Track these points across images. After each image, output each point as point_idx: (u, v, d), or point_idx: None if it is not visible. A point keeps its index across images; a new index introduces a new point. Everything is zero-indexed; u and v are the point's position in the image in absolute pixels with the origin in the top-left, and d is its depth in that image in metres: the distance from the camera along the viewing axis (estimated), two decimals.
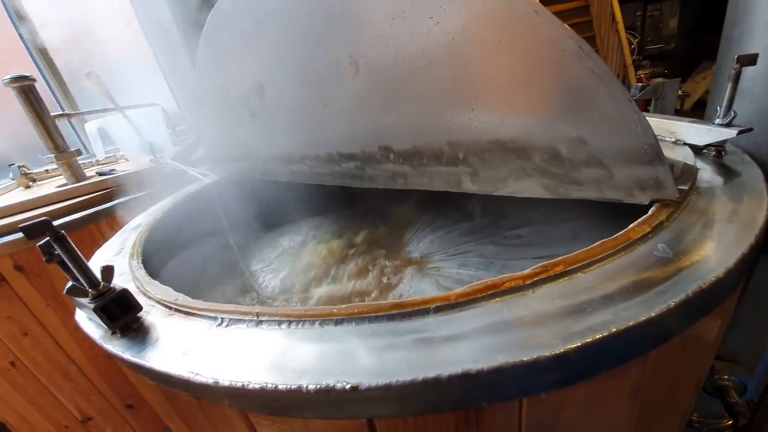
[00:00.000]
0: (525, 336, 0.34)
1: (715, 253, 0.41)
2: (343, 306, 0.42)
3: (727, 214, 0.47)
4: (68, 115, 1.42)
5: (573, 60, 0.46)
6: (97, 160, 1.57)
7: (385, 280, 0.79)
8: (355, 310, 0.41)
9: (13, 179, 1.36)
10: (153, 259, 0.73)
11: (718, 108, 0.63)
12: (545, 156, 0.54)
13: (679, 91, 0.96)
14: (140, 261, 0.66)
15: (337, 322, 0.41)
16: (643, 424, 0.46)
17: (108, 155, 1.61)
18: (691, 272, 0.38)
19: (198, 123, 1.15)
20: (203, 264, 0.93)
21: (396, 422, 0.37)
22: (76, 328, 0.54)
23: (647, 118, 0.47)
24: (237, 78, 0.87)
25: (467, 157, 0.62)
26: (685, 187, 0.53)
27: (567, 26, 0.45)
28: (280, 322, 0.43)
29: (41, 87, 1.32)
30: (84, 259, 0.45)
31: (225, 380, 0.36)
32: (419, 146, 0.66)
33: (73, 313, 0.56)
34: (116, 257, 0.71)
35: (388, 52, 0.60)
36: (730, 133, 0.61)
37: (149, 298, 0.54)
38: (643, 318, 0.33)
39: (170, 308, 0.50)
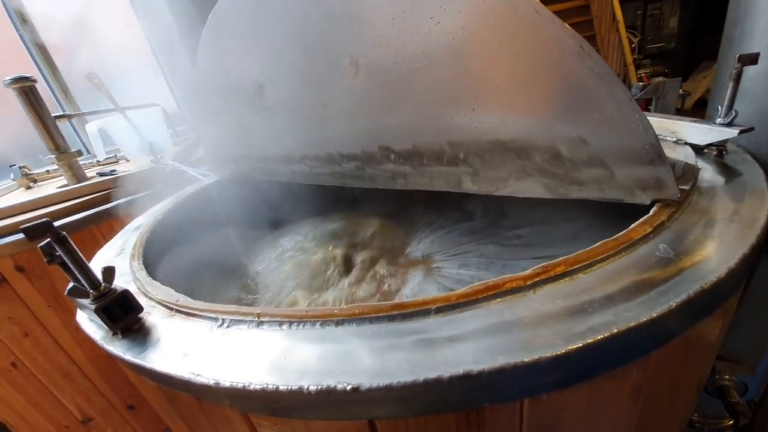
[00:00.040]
0: (526, 337, 0.34)
1: (716, 253, 0.40)
2: (344, 307, 0.42)
3: (728, 214, 0.47)
4: (69, 116, 1.42)
5: (573, 59, 0.46)
6: (97, 161, 1.58)
7: (385, 280, 0.79)
8: (356, 311, 0.41)
9: (14, 180, 1.36)
10: (154, 260, 0.74)
11: (719, 107, 0.63)
12: (546, 156, 0.54)
13: (680, 91, 0.96)
14: (141, 262, 0.66)
15: (338, 323, 0.41)
16: (644, 425, 0.46)
17: (108, 156, 1.61)
18: (692, 272, 0.38)
19: (198, 123, 1.15)
20: (204, 265, 0.93)
21: (397, 423, 0.37)
22: (77, 329, 0.54)
23: (648, 117, 0.47)
24: (237, 78, 0.87)
25: (468, 157, 0.61)
26: (687, 187, 0.52)
27: (567, 25, 0.45)
28: (281, 323, 0.43)
29: (42, 88, 1.33)
30: (85, 260, 0.45)
31: (226, 381, 0.36)
32: (420, 146, 0.66)
33: (74, 314, 0.56)
34: (117, 258, 0.71)
35: (389, 52, 0.60)
36: (732, 132, 0.60)
37: (150, 299, 0.54)
38: (645, 318, 0.33)
39: (171, 309, 0.50)
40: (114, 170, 1.36)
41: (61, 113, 1.36)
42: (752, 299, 0.67)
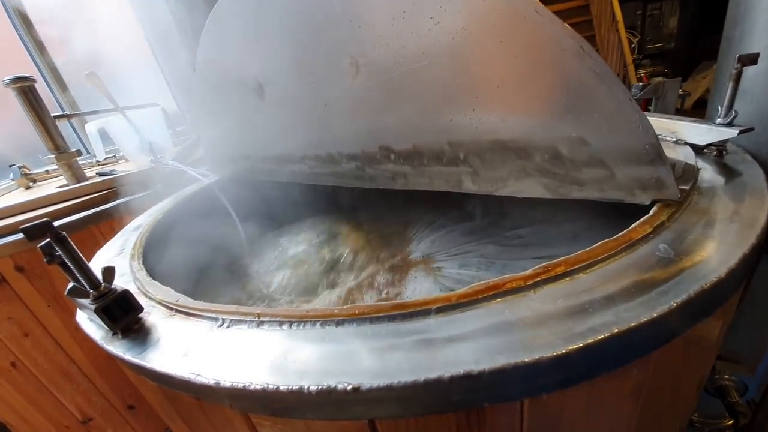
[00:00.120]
0: (526, 337, 0.34)
1: (716, 254, 0.41)
2: (344, 307, 0.42)
3: (728, 214, 0.47)
4: (68, 116, 1.42)
5: (573, 59, 0.46)
6: (97, 161, 1.58)
7: (385, 280, 0.79)
8: (356, 311, 0.41)
9: (13, 180, 1.36)
10: (154, 260, 0.73)
11: (719, 107, 0.63)
12: (546, 156, 0.54)
13: (680, 91, 0.96)
14: (141, 262, 0.66)
15: (338, 323, 0.41)
16: (645, 425, 0.46)
17: (108, 156, 1.61)
18: (692, 272, 0.38)
19: (198, 123, 1.15)
20: (204, 265, 0.93)
21: (397, 423, 0.37)
22: (77, 329, 0.54)
23: (648, 117, 0.47)
24: (237, 78, 0.87)
25: (468, 157, 0.61)
26: (687, 187, 0.53)
27: (567, 25, 0.45)
28: (281, 323, 0.43)
29: (41, 88, 1.33)
30: (85, 260, 0.45)
31: (226, 381, 0.36)
32: (420, 146, 0.66)
33: (74, 314, 0.56)
34: (117, 258, 0.71)
35: (389, 52, 0.60)
36: (731, 132, 0.60)
37: (150, 299, 0.54)
38: (645, 318, 0.33)
39: (171, 309, 0.50)
40: (114, 170, 1.36)
41: (61, 113, 1.36)
42: (752, 299, 0.67)
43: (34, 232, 0.41)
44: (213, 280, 0.89)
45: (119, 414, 1.26)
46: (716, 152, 0.67)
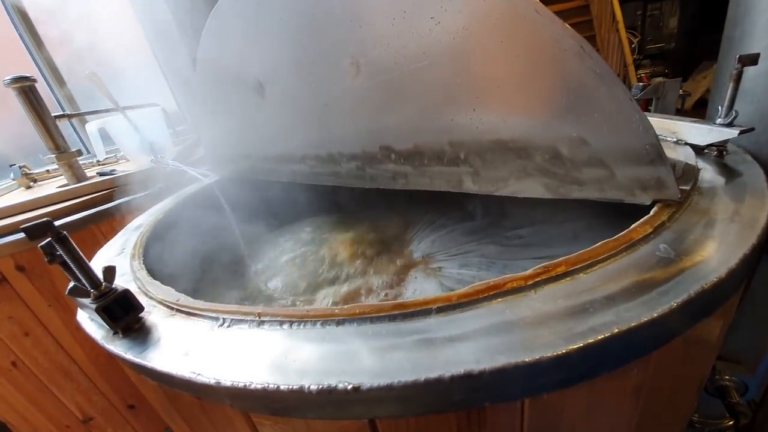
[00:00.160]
0: (527, 336, 0.34)
1: (717, 254, 0.41)
2: (345, 306, 0.42)
3: (729, 214, 0.47)
4: (69, 116, 1.42)
5: (574, 59, 0.46)
6: (97, 161, 1.58)
7: (386, 280, 0.79)
8: (357, 311, 0.41)
9: (14, 179, 1.36)
10: (154, 260, 0.73)
11: (720, 108, 0.63)
12: (546, 156, 0.54)
13: (680, 91, 0.96)
14: (141, 261, 0.66)
15: (339, 323, 0.41)
16: (645, 425, 0.46)
17: (108, 155, 1.61)
18: (693, 273, 0.38)
19: (198, 123, 1.15)
20: (204, 264, 0.93)
21: (398, 422, 0.37)
22: (78, 329, 0.54)
23: (648, 117, 0.47)
24: (237, 78, 0.87)
25: (468, 157, 0.61)
26: (687, 187, 0.53)
27: (568, 26, 0.45)
28: (281, 323, 0.43)
29: (42, 87, 1.32)
30: (86, 259, 0.45)
31: (227, 380, 0.36)
32: (420, 146, 0.66)
33: (74, 314, 0.56)
34: (117, 257, 0.71)
35: (389, 52, 0.60)
36: (732, 133, 0.60)
37: (151, 298, 0.54)
38: (646, 318, 0.33)
39: (172, 308, 0.50)
40: (114, 170, 1.36)
41: (61, 113, 1.36)
42: (752, 299, 0.67)
43: (34, 231, 0.41)
44: (213, 279, 0.89)
45: (120, 413, 1.26)
46: (717, 152, 0.67)
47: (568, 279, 0.40)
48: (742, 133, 0.59)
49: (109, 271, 0.47)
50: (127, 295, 0.47)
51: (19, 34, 1.64)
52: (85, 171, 1.30)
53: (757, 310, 0.72)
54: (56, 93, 1.74)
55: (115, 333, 0.48)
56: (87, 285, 0.45)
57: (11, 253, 0.96)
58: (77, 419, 1.19)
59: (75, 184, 1.21)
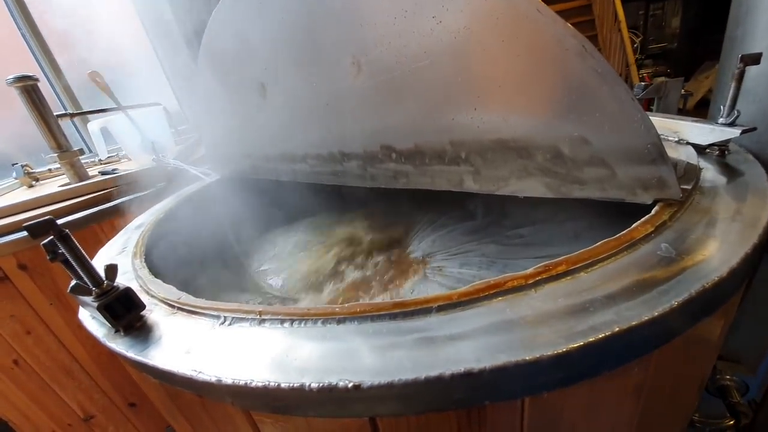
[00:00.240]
0: (527, 335, 0.34)
1: (718, 253, 0.40)
2: (345, 305, 0.42)
3: (730, 214, 0.47)
4: (71, 115, 1.42)
5: (576, 59, 0.46)
6: (99, 160, 1.58)
7: (386, 279, 0.79)
8: (357, 309, 0.41)
9: (16, 178, 1.37)
10: (156, 258, 0.74)
11: (722, 107, 0.63)
12: (548, 155, 0.54)
13: (682, 91, 0.96)
14: (143, 260, 0.66)
15: (340, 321, 0.41)
16: (646, 424, 0.46)
17: (110, 154, 1.61)
18: (694, 272, 0.38)
19: (199, 122, 1.15)
20: (205, 263, 0.94)
21: (398, 421, 0.37)
22: (79, 327, 0.54)
23: (650, 117, 0.47)
24: (239, 77, 0.87)
25: (469, 156, 0.61)
26: (688, 187, 0.52)
27: (569, 25, 0.45)
28: (282, 321, 0.43)
29: (44, 86, 1.33)
30: (87, 257, 0.45)
31: (228, 378, 0.36)
32: (421, 145, 0.66)
33: (76, 312, 0.56)
34: (119, 256, 0.72)
35: (391, 51, 0.60)
36: (734, 132, 0.60)
37: (152, 296, 0.54)
38: (646, 318, 0.33)
39: (173, 307, 0.50)
40: (116, 169, 1.36)
41: (63, 112, 1.36)
42: (754, 299, 0.67)
43: (37, 229, 0.41)
44: (214, 278, 0.89)
45: (121, 411, 1.26)
46: (718, 152, 0.66)
47: (568, 278, 0.40)
48: (744, 132, 0.59)
49: (111, 270, 0.47)
50: (128, 293, 0.47)
51: (22, 34, 1.64)
52: (87, 170, 1.30)
53: (759, 310, 0.72)
54: (58, 92, 1.74)
55: (117, 331, 0.48)
56: (89, 283, 0.45)
57: (13, 251, 0.96)
58: (79, 417, 1.19)
59: (77, 183, 1.21)
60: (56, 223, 0.42)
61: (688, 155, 0.63)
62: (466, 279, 0.73)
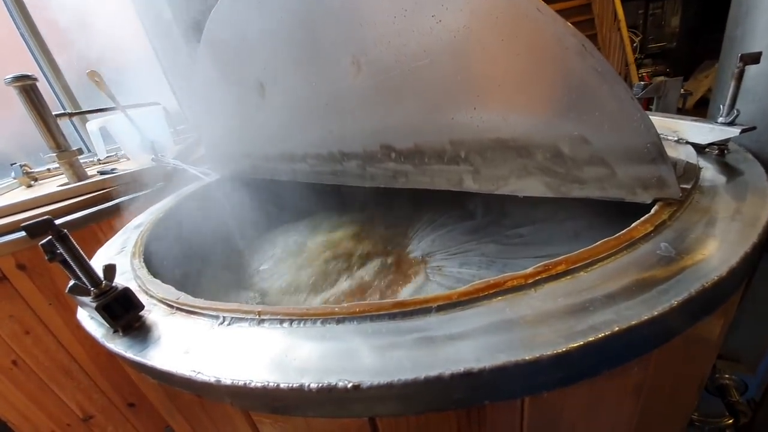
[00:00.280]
0: (527, 335, 0.34)
1: (718, 252, 0.40)
2: (345, 305, 0.42)
3: (730, 213, 0.47)
4: (70, 114, 1.42)
5: (575, 58, 0.46)
6: (98, 159, 1.58)
7: (386, 279, 0.79)
8: (357, 309, 0.41)
9: (14, 178, 1.37)
10: (154, 258, 0.74)
11: (721, 106, 0.63)
12: (547, 154, 0.54)
13: (682, 90, 0.96)
14: (142, 260, 0.66)
15: (339, 321, 0.41)
16: (645, 424, 0.46)
17: (109, 154, 1.61)
18: (693, 271, 0.38)
19: (199, 122, 1.15)
20: (204, 263, 0.94)
21: (398, 421, 0.37)
22: (78, 327, 0.54)
23: (649, 116, 0.47)
24: (238, 77, 0.87)
25: (469, 155, 0.61)
26: (688, 186, 0.52)
27: (569, 24, 0.45)
28: (281, 321, 0.43)
29: (43, 86, 1.33)
30: (86, 257, 0.45)
31: (227, 379, 0.36)
32: (421, 145, 0.66)
33: (74, 312, 0.56)
34: (118, 256, 0.71)
35: (390, 50, 0.60)
36: (733, 131, 0.60)
37: (151, 296, 0.54)
38: (646, 317, 0.33)
39: (172, 307, 0.50)
40: (115, 169, 1.36)
41: (62, 111, 1.37)
42: (753, 298, 0.67)
43: (35, 229, 0.41)
44: (214, 277, 0.89)
45: (120, 412, 1.26)
46: (718, 151, 0.66)
47: (568, 277, 0.40)
48: (743, 131, 0.59)
49: (110, 270, 0.47)
50: (127, 293, 0.47)
51: (21, 33, 1.64)
52: (86, 170, 1.30)
53: (758, 309, 0.72)
54: (57, 92, 1.74)
55: (116, 331, 0.48)
56: (87, 283, 0.45)
57: (12, 251, 0.96)
58: (78, 417, 1.19)
59: (76, 182, 1.21)
60: (54, 223, 0.42)
61: (687, 154, 0.63)
62: (465, 279, 0.73)
